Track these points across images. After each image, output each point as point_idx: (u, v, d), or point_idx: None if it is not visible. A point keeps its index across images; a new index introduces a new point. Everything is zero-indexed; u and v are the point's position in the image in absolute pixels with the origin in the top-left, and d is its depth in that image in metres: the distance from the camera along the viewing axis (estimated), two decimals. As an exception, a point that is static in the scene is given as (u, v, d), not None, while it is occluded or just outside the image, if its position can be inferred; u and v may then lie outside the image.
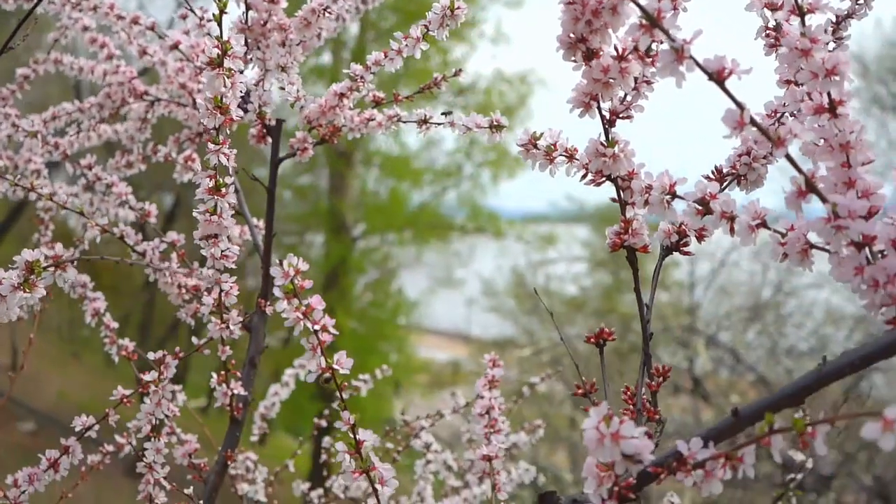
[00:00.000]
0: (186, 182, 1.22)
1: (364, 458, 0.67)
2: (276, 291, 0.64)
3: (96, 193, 1.21)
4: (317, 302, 0.65)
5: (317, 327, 0.65)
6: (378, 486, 0.67)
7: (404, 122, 1.00)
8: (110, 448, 1.07)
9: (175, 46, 1.07)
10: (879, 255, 0.55)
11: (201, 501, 1.04)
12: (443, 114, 0.95)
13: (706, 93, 0.56)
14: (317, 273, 11.41)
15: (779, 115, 0.72)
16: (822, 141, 0.58)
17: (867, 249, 0.54)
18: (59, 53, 1.33)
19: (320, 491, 1.56)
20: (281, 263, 0.63)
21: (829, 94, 0.56)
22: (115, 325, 1.13)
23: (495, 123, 0.87)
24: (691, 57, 0.52)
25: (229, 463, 1.02)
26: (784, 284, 5.80)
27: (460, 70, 1.03)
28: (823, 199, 0.53)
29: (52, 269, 0.66)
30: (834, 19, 0.74)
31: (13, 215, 7.44)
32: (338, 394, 0.67)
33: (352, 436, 0.67)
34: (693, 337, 5.88)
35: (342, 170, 11.20)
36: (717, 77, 0.53)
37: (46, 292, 0.75)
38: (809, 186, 0.54)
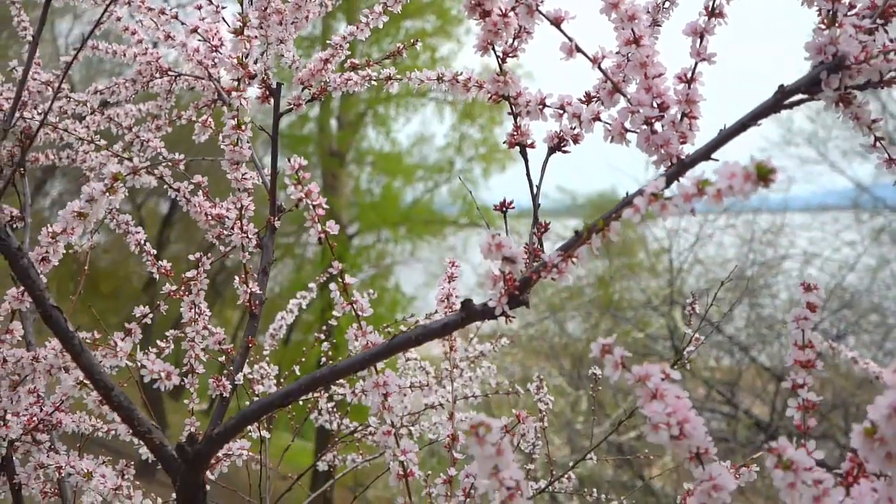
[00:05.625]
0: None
1: (349, 293, 0.99)
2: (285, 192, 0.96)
3: (134, 151, 1.52)
4: (314, 187, 0.97)
5: (315, 203, 0.97)
6: (360, 313, 0.99)
7: (374, 80, 1.32)
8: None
9: (194, 30, 1.39)
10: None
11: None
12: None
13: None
14: (314, 272, 11.74)
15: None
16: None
17: (654, 126, 0.85)
18: (95, 41, 1.64)
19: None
20: (289, 160, 0.95)
21: (633, 31, 0.88)
22: (154, 251, 1.44)
23: (440, 76, 1.19)
24: (538, 10, 0.84)
25: (250, 346, 1.33)
26: (757, 256, 6.14)
27: (416, 40, 1.35)
28: (624, 95, 0.85)
29: (130, 175, 0.97)
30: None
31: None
32: (328, 248, 0.98)
33: (342, 280, 0.99)
34: (673, 308, 6.21)
35: (335, 169, 11.51)
36: (556, 21, 0.84)
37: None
38: (615, 88, 0.86)
